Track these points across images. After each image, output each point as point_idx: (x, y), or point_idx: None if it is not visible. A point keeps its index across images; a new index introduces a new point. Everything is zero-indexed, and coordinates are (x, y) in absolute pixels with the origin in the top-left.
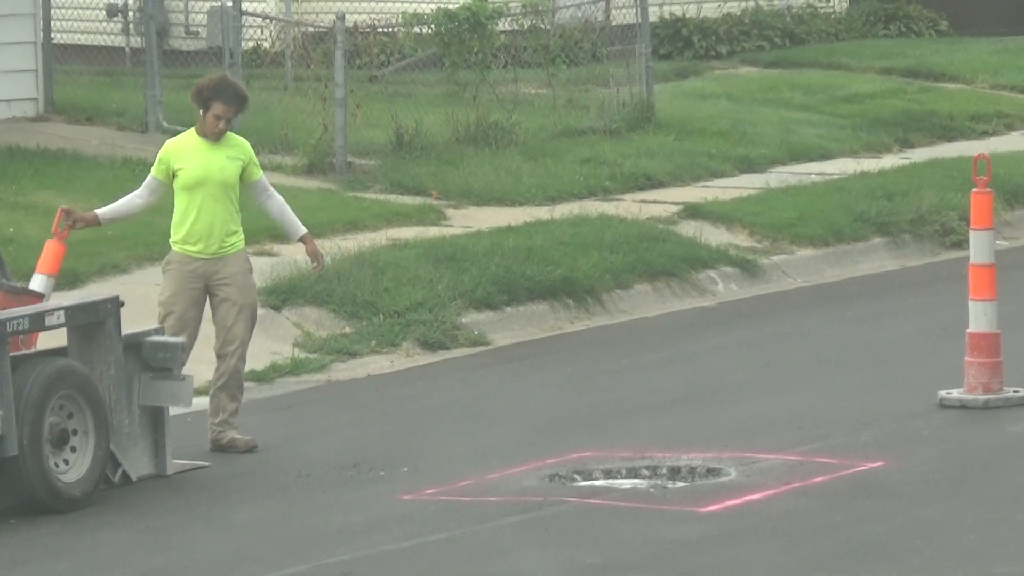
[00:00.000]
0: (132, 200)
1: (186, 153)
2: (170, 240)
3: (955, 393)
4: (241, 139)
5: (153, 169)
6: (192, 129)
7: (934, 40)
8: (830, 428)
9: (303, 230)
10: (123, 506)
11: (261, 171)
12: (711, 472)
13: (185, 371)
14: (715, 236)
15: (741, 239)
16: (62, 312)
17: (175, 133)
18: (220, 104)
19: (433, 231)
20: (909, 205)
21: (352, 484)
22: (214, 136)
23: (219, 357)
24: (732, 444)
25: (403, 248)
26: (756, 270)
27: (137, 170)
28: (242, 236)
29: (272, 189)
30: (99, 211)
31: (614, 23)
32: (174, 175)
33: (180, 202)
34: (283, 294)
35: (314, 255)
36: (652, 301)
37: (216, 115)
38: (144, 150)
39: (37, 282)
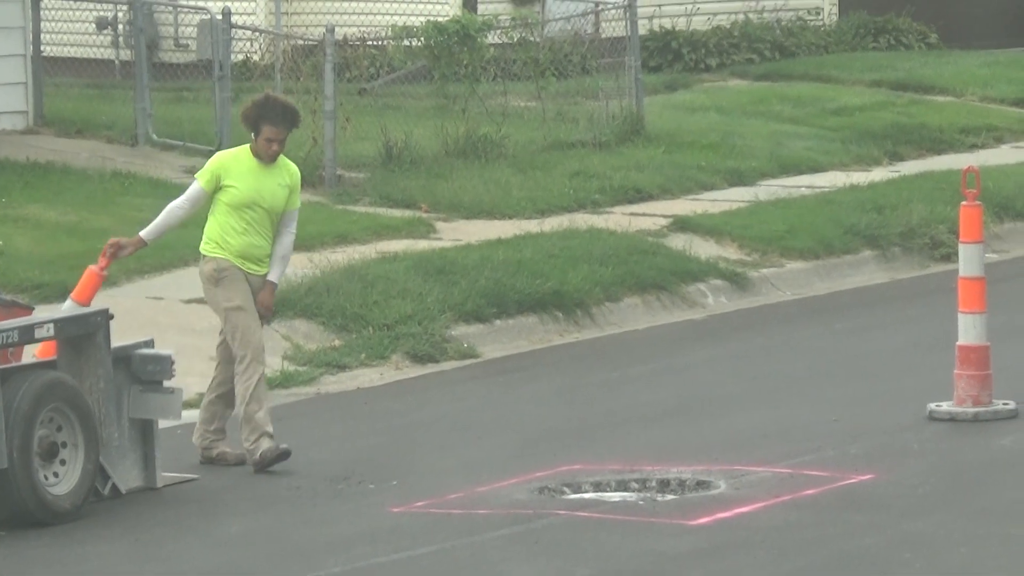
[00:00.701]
0: (173, 212)
1: (239, 172)
2: (207, 247)
3: (945, 406)
4: (294, 167)
5: (200, 179)
6: (247, 146)
7: (924, 53)
8: (820, 441)
9: (275, 279)
10: (113, 519)
11: (299, 202)
12: (701, 485)
13: (175, 383)
14: (705, 249)
15: (731, 252)
16: (51, 325)
17: (164, 146)
18: (269, 126)
19: (422, 244)
20: (899, 218)
21: (342, 497)
22: (269, 159)
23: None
24: (722, 457)
25: (392, 261)
26: (746, 283)
27: (126, 183)
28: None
29: (293, 227)
30: (143, 233)
31: (604, 36)
32: (220, 188)
33: (220, 215)
34: (273, 307)
35: (262, 305)
36: (642, 314)
37: (267, 139)
38: (133, 163)
39: (67, 307)
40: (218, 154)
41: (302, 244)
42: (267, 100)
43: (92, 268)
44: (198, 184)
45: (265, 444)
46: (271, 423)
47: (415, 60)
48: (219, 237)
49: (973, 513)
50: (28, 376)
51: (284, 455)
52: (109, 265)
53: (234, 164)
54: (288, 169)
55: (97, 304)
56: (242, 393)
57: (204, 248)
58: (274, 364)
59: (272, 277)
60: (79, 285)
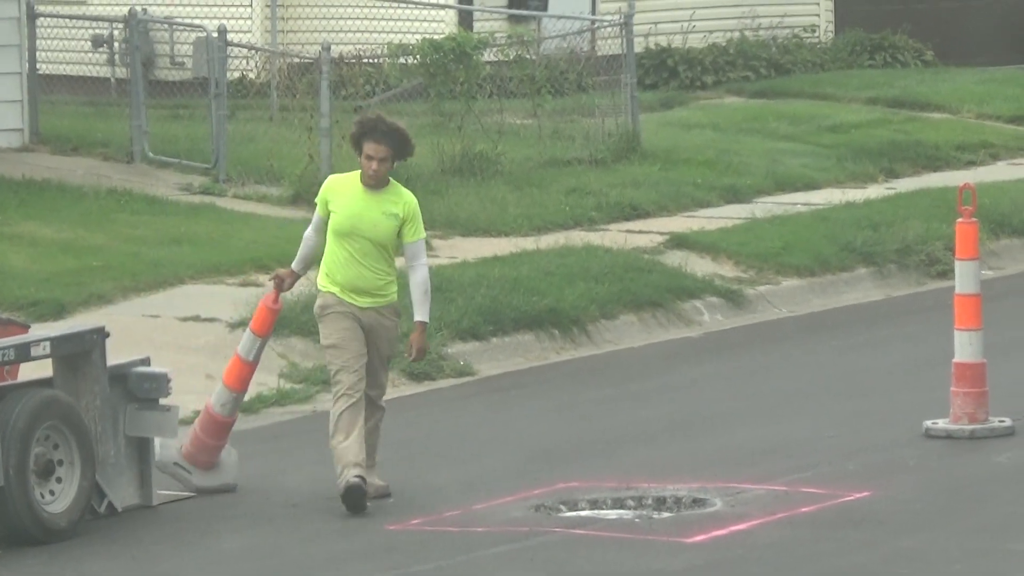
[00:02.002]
0: (306, 242)
1: (343, 196)
2: (320, 280)
3: (941, 423)
4: (409, 195)
5: (317, 204)
6: (359, 171)
7: (920, 70)
8: (816, 458)
9: (422, 317)
10: (109, 537)
11: (420, 235)
12: (697, 502)
13: (171, 401)
14: (701, 266)
15: (727, 269)
16: (48, 343)
17: (161, 164)
18: (371, 143)
19: None
20: (895, 235)
21: (338, 514)
22: (371, 181)
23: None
24: (718, 474)
25: None
26: (742, 300)
27: (122, 200)
28: (395, 288)
29: (421, 260)
30: (294, 266)
31: (599, 53)
32: (329, 213)
33: (329, 244)
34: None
35: (413, 347)
36: (638, 331)
37: (368, 155)
38: (129, 180)
39: (247, 337)
40: (331, 177)
41: None
42: (374, 116)
43: (265, 302)
44: (316, 212)
45: (348, 474)
46: (360, 452)
47: (411, 78)
48: (327, 267)
49: (969, 530)
50: (24, 394)
51: (358, 486)
52: (279, 297)
53: (340, 187)
54: (401, 197)
55: (93, 322)
56: (330, 424)
57: (318, 281)
58: (270, 382)
59: (419, 317)
60: (255, 318)
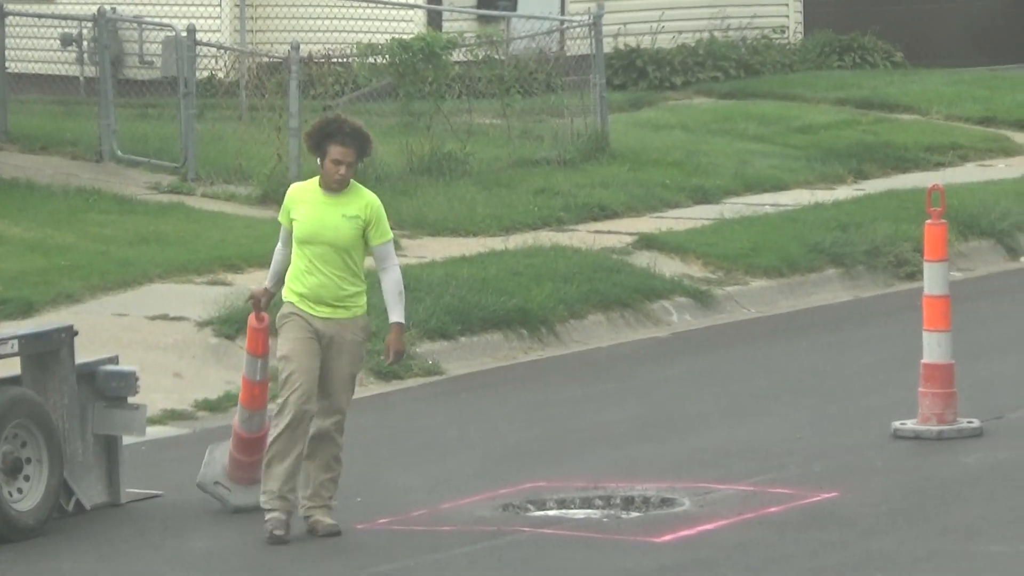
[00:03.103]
0: (276, 257)
1: (304, 203)
2: (284, 290)
3: (909, 424)
4: (370, 195)
5: (280, 217)
6: (318, 177)
7: (889, 71)
8: (784, 458)
9: (398, 318)
10: (77, 535)
11: (387, 236)
12: (665, 502)
13: (139, 400)
14: (669, 266)
15: (695, 269)
16: (16, 341)
17: (130, 163)
18: (336, 146)
19: None
20: (863, 236)
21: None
22: (336, 185)
23: (315, 424)
24: (686, 474)
25: None
26: (710, 301)
27: (91, 199)
28: (363, 300)
29: (392, 261)
30: (267, 284)
31: (568, 54)
32: (292, 223)
33: (294, 256)
34: (236, 324)
35: (388, 349)
36: (606, 331)
37: (334, 159)
38: (98, 179)
39: (246, 360)
40: (292, 186)
41: (266, 261)
42: (335, 117)
43: (251, 323)
44: (281, 224)
45: (272, 513)
46: (289, 484)
47: (380, 77)
48: (291, 277)
49: (937, 531)
50: None
51: (276, 541)
52: (262, 317)
53: (300, 195)
54: (362, 199)
55: (61, 320)
56: (269, 439)
57: (283, 292)
58: (238, 381)
59: (395, 319)
60: (248, 340)
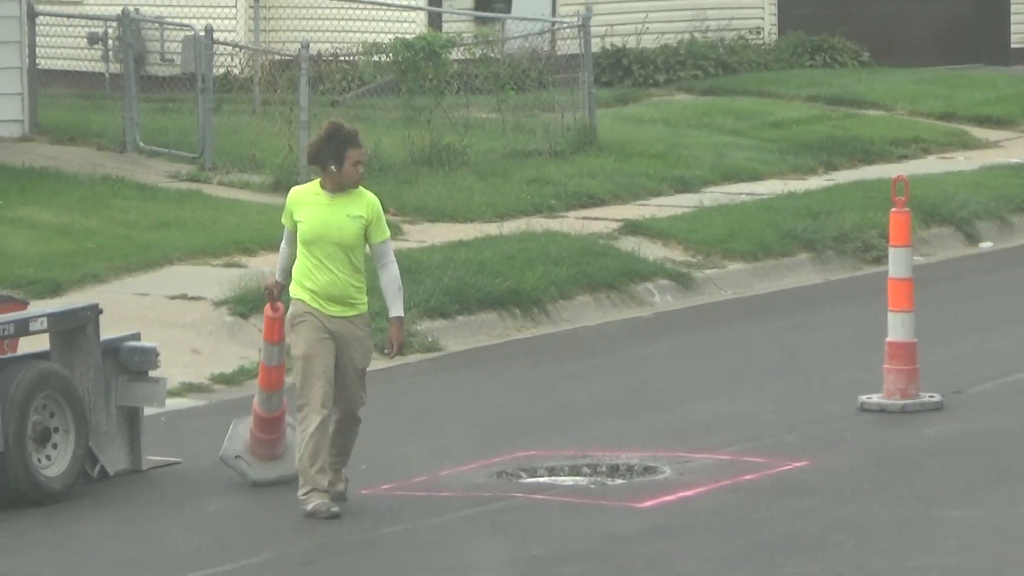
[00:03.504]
0: (282, 254)
1: (307, 205)
2: (292, 288)
3: (875, 398)
4: (370, 196)
5: (283, 220)
6: (317, 180)
7: (857, 70)
8: (759, 430)
9: (397, 313)
10: (101, 499)
11: (386, 234)
12: (647, 470)
13: (159, 374)
14: (652, 251)
15: (676, 254)
16: (45, 319)
17: (151, 153)
18: (354, 149)
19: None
20: (833, 223)
21: None
22: (356, 184)
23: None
24: (667, 444)
25: None
26: (690, 283)
27: (115, 187)
28: (365, 298)
29: (390, 258)
30: (277, 277)
31: (559, 53)
32: (295, 224)
33: (300, 254)
34: (251, 303)
35: (391, 342)
36: (593, 311)
37: (356, 162)
38: (122, 168)
39: (263, 347)
40: (292, 189)
41: (278, 244)
42: (341, 126)
43: (267, 313)
44: (285, 226)
45: (315, 500)
46: (326, 476)
47: (384, 74)
48: (300, 275)
49: (901, 498)
50: (23, 366)
51: (333, 516)
52: (277, 307)
53: (303, 198)
54: (363, 199)
55: (87, 300)
56: (298, 443)
57: (290, 289)
58: (252, 356)
59: (396, 313)
60: (265, 329)
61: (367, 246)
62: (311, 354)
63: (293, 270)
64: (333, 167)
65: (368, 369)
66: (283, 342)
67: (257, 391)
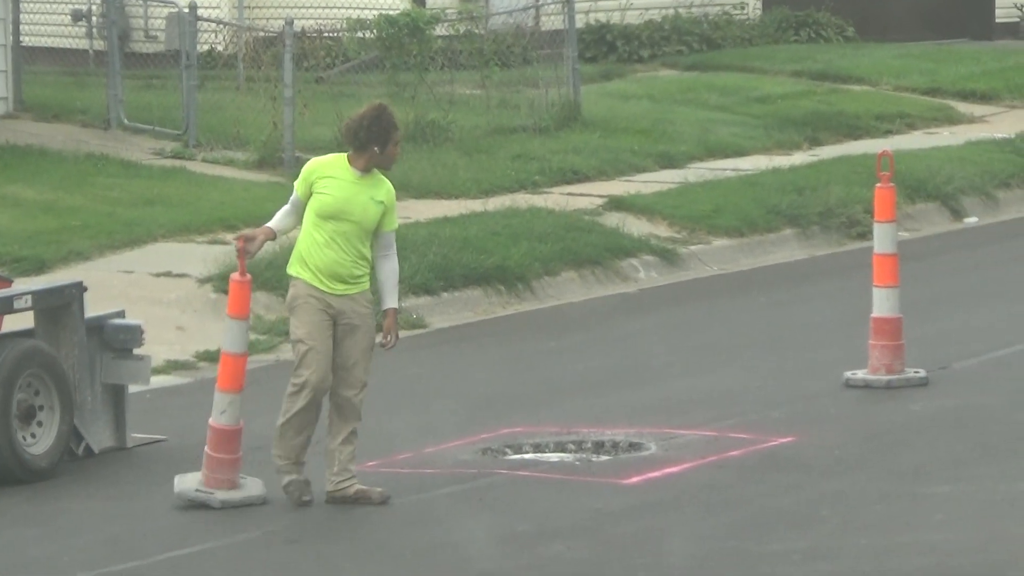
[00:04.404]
0: (281, 215)
1: (334, 179)
2: (291, 266)
3: (860, 374)
4: (389, 185)
5: (296, 187)
6: (344, 155)
7: (841, 45)
8: (744, 406)
9: (391, 305)
10: (86, 477)
11: (396, 224)
12: (633, 446)
13: (144, 351)
14: (637, 227)
15: (661, 230)
16: (29, 296)
17: (135, 130)
18: (397, 131)
19: None
20: (818, 199)
21: None
22: (388, 166)
23: (336, 399)
24: (653, 420)
25: None
26: (675, 259)
27: (99, 164)
28: (367, 280)
29: (393, 249)
30: (271, 224)
31: (543, 29)
32: (312, 195)
33: (307, 226)
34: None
35: (387, 332)
36: (578, 287)
37: (396, 142)
38: (106, 146)
39: (227, 327)
40: (312, 160)
41: (263, 221)
42: (387, 108)
43: (234, 278)
44: (295, 193)
45: (291, 475)
46: (304, 453)
47: (368, 51)
48: (304, 251)
49: (885, 473)
50: (8, 344)
51: (304, 505)
52: (246, 266)
53: (328, 169)
54: (384, 185)
55: (72, 277)
56: (283, 410)
57: (289, 268)
58: None
59: (391, 304)
60: (230, 301)
61: (375, 234)
62: (310, 336)
63: (297, 244)
64: (376, 148)
65: None
66: (247, 322)
67: (216, 396)
